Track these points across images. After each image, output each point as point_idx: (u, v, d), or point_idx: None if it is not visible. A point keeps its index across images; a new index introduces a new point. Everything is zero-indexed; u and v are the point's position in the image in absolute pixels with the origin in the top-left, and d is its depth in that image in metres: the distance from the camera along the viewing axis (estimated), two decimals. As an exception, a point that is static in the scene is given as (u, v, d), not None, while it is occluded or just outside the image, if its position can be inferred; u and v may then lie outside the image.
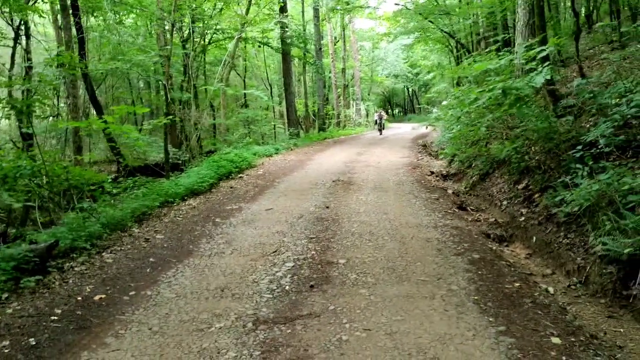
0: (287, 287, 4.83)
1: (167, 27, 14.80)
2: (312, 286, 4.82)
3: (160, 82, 18.45)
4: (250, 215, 8.10)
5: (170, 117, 10.36)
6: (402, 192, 9.56)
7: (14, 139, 15.96)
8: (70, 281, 5.22)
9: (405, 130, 32.89)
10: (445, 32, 22.70)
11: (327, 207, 8.39)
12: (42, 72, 8.69)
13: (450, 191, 10.15)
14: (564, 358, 3.32)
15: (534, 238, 6.56)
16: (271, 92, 30.72)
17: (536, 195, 7.59)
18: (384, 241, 6.25)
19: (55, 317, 4.29)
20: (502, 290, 4.50)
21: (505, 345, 3.50)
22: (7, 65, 12.18)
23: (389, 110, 66.23)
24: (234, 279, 5.15)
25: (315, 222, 7.39)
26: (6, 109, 8.13)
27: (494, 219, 7.84)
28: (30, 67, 9.46)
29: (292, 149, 19.92)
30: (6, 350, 3.69)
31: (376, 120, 30.54)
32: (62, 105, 16.02)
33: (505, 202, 8.42)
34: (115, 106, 11.19)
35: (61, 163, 8.39)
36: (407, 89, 61.68)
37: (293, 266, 5.44)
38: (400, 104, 70.88)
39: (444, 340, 3.62)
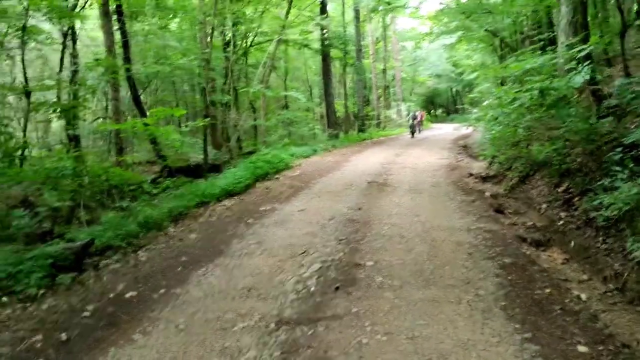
0: (312, 289, 4.85)
1: (208, 31, 15.09)
2: (337, 288, 4.82)
3: (201, 85, 18.83)
4: (283, 216, 8.16)
5: (208, 119, 10.53)
6: (437, 194, 9.43)
7: (64, 141, 16.61)
8: (104, 278, 5.41)
9: (446, 130, 32.37)
10: (488, 30, 22.21)
11: (360, 209, 8.36)
12: (83, 76, 8.99)
13: (487, 194, 9.93)
14: (589, 368, 3.21)
15: (572, 243, 6.36)
16: (311, 94, 30.83)
17: (576, 199, 7.35)
18: (414, 244, 6.18)
19: (87, 314, 4.45)
20: (532, 296, 4.38)
21: (529, 352, 3.41)
22: (56, 69, 12.71)
23: (431, 111, 65.39)
24: (261, 279, 5.20)
25: (347, 224, 7.38)
26: (53, 112, 8.46)
27: (532, 223, 7.62)
28: (76, 71, 9.82)
29: (330, 150, 19.94)
30: (38, 345, 3.86)
31: (410, 122, 27.18)
32: (109, 107, 16.58)
33: (544, 206, 8.19)
34: (155, 108, 11.48)
35: (101, 164, 8.68)
36: (451, 89, 60.69)
37: (320, 268, 5.45)
38: (443, 105, 69.83)
39: (466, 346, 3.55)
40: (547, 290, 4.50)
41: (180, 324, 4.19)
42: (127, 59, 13.38)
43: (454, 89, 60.40)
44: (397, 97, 40.63)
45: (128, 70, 12.96)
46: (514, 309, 4.12)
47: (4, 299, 4.69)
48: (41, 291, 4.88)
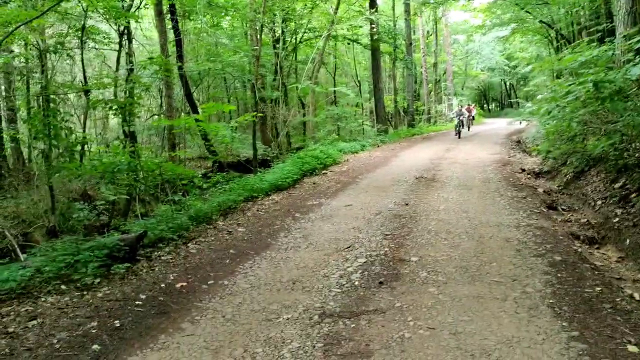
0: (356, 283, 4.88)
1: (258, 28, 15.33)
2: (381, 283, 4.83)
3: (251, 81, 19.15)
4: (329, 211, 8.22)
5: (256, 114, 10.72)
6: (486, 190, 9.25)
7: (121, 137, 17.29)
8: (156, 269, 5.62)
9: (499, 125, 31.61)
10: (543, 22, 21.51)
11: (407, 204, 8.32)
12: (137, 74, 9.34)
13: (540, 190, 9.66)
14: (639, 369, 3.10)
15: (628, 241, 6.11)
16: (360, 89, 30.72)
17: (633, 195, 7.06)
18: (461, 240, 6.11)
19: (140, 302, 4.64)
20: (581, 294, 4.25)
21: (575, 351, 3.32)
22: (113, 67, 13.25)
23: (484, 105, 63.87)
24: (306, 272, 5.28)
25: (393, 219, 7.36)
26: (110, 109, 8.84)
27: (586, 220, 7.38)
28: (131, 69, 10.22)
29: (378, 146, 19.86)
30: (93, 331, 4.06)
31: (456, 119, 22.75)
32: (163, 104, 17.12)
33: (599, 202, 7.90)
34: (205, 104, 11.77)
35: (155, 159, 9.01)
36: (504, 82, 59.10)
37: (365, 262, 5.47)
38: (496, 99, 68.11)
39: (510, 343, 3.50)
40: (598, 289, 4.35)
41: (227, 314, 4.31)
42: (180, 57, 13.77)
43: (507, 83, 58.86)
44: (448, 91, 39.92)
45: (180, 67, 13.34)
46: (562, 307, 4.01)
47: (63, 287, 4.96)
48: (97, 280, 5.13)
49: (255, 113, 10.82)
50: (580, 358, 3.24)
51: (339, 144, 17.17)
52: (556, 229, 6.55)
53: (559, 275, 4.74)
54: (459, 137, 21.62)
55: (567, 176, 10.11)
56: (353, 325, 3.94)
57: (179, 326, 4.12)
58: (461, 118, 22.73)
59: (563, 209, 8.18)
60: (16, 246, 7.03)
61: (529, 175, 11.40)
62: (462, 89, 49.26)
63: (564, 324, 3.72)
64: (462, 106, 25.39)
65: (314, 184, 11.15)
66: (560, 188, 9.86)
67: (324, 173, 12.65)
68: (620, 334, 3.52)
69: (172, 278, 5.31)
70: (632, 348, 3.31)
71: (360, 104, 30.46)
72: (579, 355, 3.27)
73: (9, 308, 4.49)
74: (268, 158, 15.14)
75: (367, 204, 8.57)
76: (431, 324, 3.87)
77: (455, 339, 3.61)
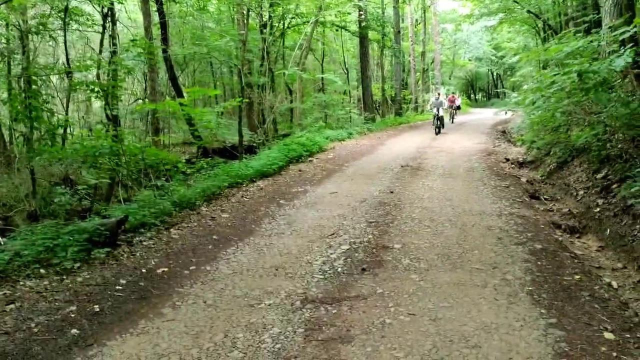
0: (339, 269, 4.88)
1: (245, 12, 15.16)
2: (364, 269, 4.85)
3: (238, 67, 18.96)
4: (314, 198, 8.21)
5: (241, 99, 10.62)
6: (471, 179, 9.30)
7: (104, 121, 17.08)
8: (137, 254, 5.58)
9: (486, 115, 31.70)
10: (531, 12, 21.54)
11: (392, 192, 8.34)
12: (120, 56, 9.20)
13: (524, 179, 9.75)
14: (614, 354, 3.14)
15: (608, 230, 6.19)
16: (348, 77, 30.59)
17: (614, 186, 7.13)
18: (444, 228, 6.14)
19: (120, 287, 4.60)
20: (560, 282, 4.30)
21: (553, 337, 3.36)
22: (97, 50, 13.04)
23: (472, 95, 64.05)
24: (289, 259, 5.27)
25: (377, 207, 7.38)
26: (92, 91, 8.70)
27: (567, 209, 7.46)
28: (114, 52, 10.06)
29: (365, 134, 19.86)
30: (72, 315, 4.02)
31: (434, 111, 18.76)
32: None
33: (581, 192, 7.99)
34: (190, 88, 11.64)
35: (137, 144, 8.90)
36: (492, 72, 59.28)
37: (348, 249, 5.48)
38: (483, 89, 68.33)
39: (489, 329, 3.53)
40: (577, 277, 4.40)
41: (209, 300, 4.29)
42: (164, 40, 13.57)
43: (494, 73, 59.03)
44: (436, 80, 39.95)
45: (165, 51, 13.15)
46: (541, 294, 4.05)
47: (42, 270, 4.90)
48: (77, 264, 5.07)
49: (240, 98, 10.73)
50: (557, 344, 3.28)
51: (325, 132, 17.13)
52: (538, 218, 6.61)
53: (538, 263, 4.79)
54: (437, 133, 18.06)
55: (551, 166, 10.20)
56: (335, 311, 3.95)
57: (159, 311, 4.10)
58: (440, 110, 18.54)
59: (545, 199, 8.25)
60: (-4, 231, 6.93)
61: (513, 165, 11.49)
62: (450, 78, 49.33)
63: (542, 311, 3.76)
64: (439, 93, 21.21)
65: (299, 171, 11.12)
66: (543, 178, 9.95)
67: (310, 160, 12.62)
68: (597, 322, 3.57)
69: (154, 263, 5.27)
70: (608, 335, 3.36)
71: (348, 91, 30.37)
72: (556, 341, 3.31)
73: (-14, 292, 4.43)
74: (254, 144, 15.05)
75: (352, 191, 8.57)
76: (412, 310, 3.89)
77: (435, 324, 3.64)
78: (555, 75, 7.46)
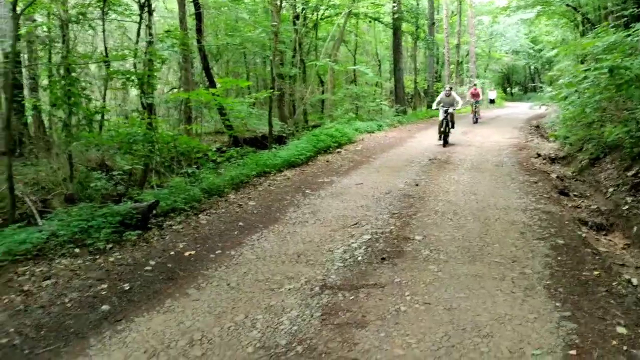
0: (359, 258, 4.99)
1: (278, 4, 15.28)
2: (383, 259, 4.94)
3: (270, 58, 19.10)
4: (340, 188, 8.32)
5: (272, 90, 10.78)
6: (499, 174, 9.25)
7: (140, 109, 17.50)
8: (167, 237, 5.80)
9: (521, 109, 31.16)
10: (569, 5, 21.03)
11: (417, 185, 8.37)
12: (156, 47, 9.45)
13: (554, 175, 9.63)
14: (624, 347, 3.17)
15: (635, 228, 6.11)
16: (380, 68, 30.47)
17: (644, 183, 7.02)
18: (466, 221, 6.17)
19: (149, 268, 4.82)
20: (579, 277, 4.31)
21: (565, 330, 3.40)
22: (134, 40, 13.35)
23: (508, 89, 62.85)
24: (311, 246, 5.40)
25: (402, 199, 7.44)
26: (127, 80, 8.97)
27: (596, 206, 7.37)
28: (150, 42, 10.32)
29: (395, 126, 19.82)
30: (103, 292, 4.26)
31: (441, 110, 13.59)
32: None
33: (611, 189, 7.87)
34: (221, 79, 11.85)
35: (170, 132, 9.16)
36: (529, 66, 58.03)
37: (369, 239, 5.58)
38: (520, 82, 66.97)
39: (502, 320, 3.59)
40: (596, 273, 4.40)
41: (232, 283, 4.46)
42: (199, 31, 13.82)
43: (532, 67, 57.77)
44: (470, 73, 39.37)
45: (199, 41, 13.40)
46: (558, 288, 4.08)
47: (77, 250, 5.17)
48: (109, 245, 5.33)
49: (271, 90, 10.88)
50: (568, 336, 3.32)
51: (355, 123, 17.17)
52: (563, 214, 6.57)
53: (559, 258, 4.80)
54: (445, 143, 13.33)
55: (582, 163, 10.04)
56: (352, 298, 4.06)
57: (185, 291, 4.29)
58: (449, 111, 13.41)
59: (575, 195, 8.16)
60: (35, 212, 7.27)
61: (544, 161, 11.34)
62: (485, 71, 48.52)
63: (557, 304, 3.80)
64: (451, 88, 15.02)
65: (327, 161, 11.23)
66: (574, 174, 9.81)
67: (338, 151, 12.72)
68: (611, 316, 3.59)
69: (182, 246, 5.48)
70: (620, 329, 3.38)
71: (380, 83, 30.25)
72: (568, 334, 3.35)
73: (25, 268, 4.71)
74: (284, 135, 15.23)
75: (378, 183, 8.65)
76: (427, 299, 3.97)
77: (449, 314, 3.72)
78: (586, 70, 7.35)
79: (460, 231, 5.76)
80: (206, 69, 14.58)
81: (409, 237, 5.59)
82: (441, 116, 13.60)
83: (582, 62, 19.64)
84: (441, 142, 13.55)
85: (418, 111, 27.48)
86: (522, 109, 30.97)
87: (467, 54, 39.22)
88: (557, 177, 9.55)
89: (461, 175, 9.17)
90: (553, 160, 11.59)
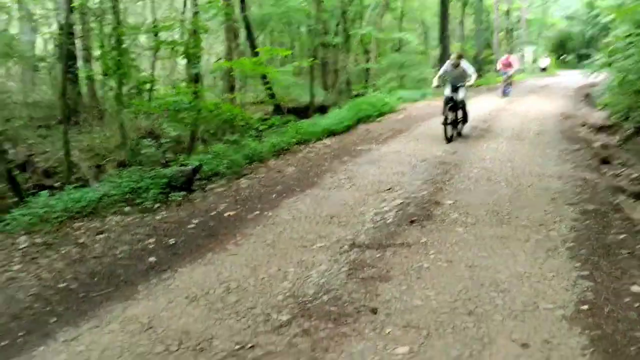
0: (389, 220, 5.20)
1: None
2: (412, 221, 5.14)
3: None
4: (377, 156, 8.49)
5: (313, 60, 10.94)
6: (538, 142, 9.20)
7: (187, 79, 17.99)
8: (209, 199, 6.19)
9: (573, 78, 30.01)
10: (628, -34, 20.03)
11: (454, 153, 8.46)
12: (198, 17, 9.76)
13: (598, 144, 9.47)
14: (636, 305, 3.29)
15: (673, 196, 6.05)
16: (427, 36, 29.93)
17: (688, 152, 6.88)
18: (499, 187, 6.27)
19: (192, 226, 5.21)
20: (603, 240, 4.40)
21: (581, 287, 3.54)
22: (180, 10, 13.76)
23: (561, 56, 60.33)
24: (344, 209, 5.65)
25: (437, 166, 7.56)
26: (172, 50, 9.36)
27: (637, 175, 7.27)
28: (196, 13, 10.64)
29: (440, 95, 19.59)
30: (150, 246, 4.67)
31: (446, 89, 9.66)
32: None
33: (654, 158, 7.73)
34: (261, 48, 12.08)
35: (212, 100, 9.51)
36: (584, 32, 55.42)
37: (401, 203, 5.77)
38: (575, 50, 64.16)
39: (521, 277, 3.75)
40: (621, 237, 4.47)
41: (268, 240, 4.78)
42: (242, 1, 14.05)
43: (588, 33, 55.14)
44: (521, 40, 38.12)
45: (243, 10, 13.63)
46: (580, 250, 4.19)
47: (127, 208, 5.63)
48: (156, 205, 5.76)
49: (312, 59, 11.04)
50: (583, 293, 3.46)
51: (398, 92, 17.15)
52: (599, 181, 6.55)
53: (586, 222, 4.88)
54: (449, 139, 9.47)
55: (628, 131, 9.82)
56: (378, 255, 4.30)
57: (224, 247, 4.64)
58: (459, 92, 9.57)
59: (618, 164, 8.05)
60: (89, 176, 7.83)
61: (589, 130, 11.11)
62: (538, 38, 46.77)
63: (577, 264, 3.92)
64: (460, 55, 10.20)
65: (367, 130, 11.38)
66: (619, 143, 9.61)
67: (378, 120, 12.83)
68: (628, 276, 3.70)
69: (222, 207, 5.84)
70: (635, 288, 3.49)
71: (426, 51, 29.76)
72: (583, 291, 3.49)
73: (80, 224, 5.18)
74: (326, 104, 15.41)
75: (415, 151, 8.77)
76: (450, 258, 4.17)
77: (470, 270, 3.91)
78: (629, 35, 7.17)
79: (492, 196, 5.87)
80: (250, 38, 14.84)
81: (439, 202, 5.75)
82: (446, 95, 9.56)
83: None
84: (444, 134, 9.54)
85: (464, 80, 26.93)
86: (574, 78, 29.80)
87: (518, 21, 37.93)
88: (601, 145, 9.38)
89: (500, 143, 9.17)
90: (599, 129, 11.32)
